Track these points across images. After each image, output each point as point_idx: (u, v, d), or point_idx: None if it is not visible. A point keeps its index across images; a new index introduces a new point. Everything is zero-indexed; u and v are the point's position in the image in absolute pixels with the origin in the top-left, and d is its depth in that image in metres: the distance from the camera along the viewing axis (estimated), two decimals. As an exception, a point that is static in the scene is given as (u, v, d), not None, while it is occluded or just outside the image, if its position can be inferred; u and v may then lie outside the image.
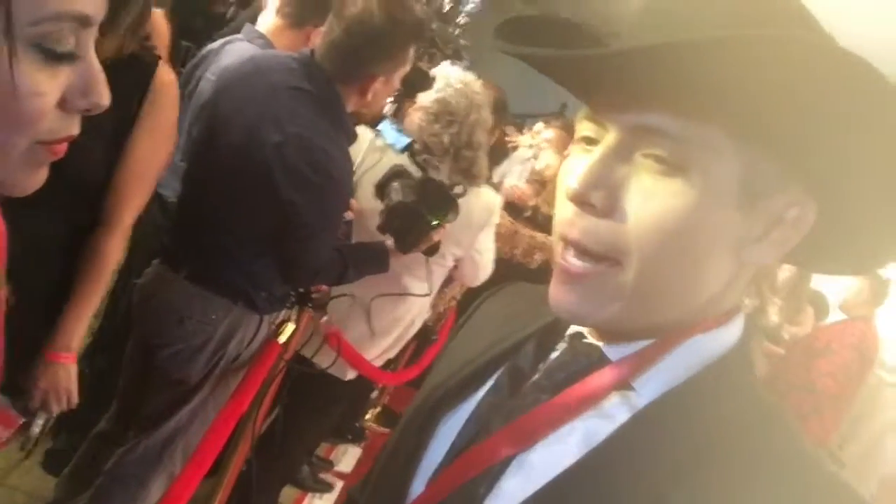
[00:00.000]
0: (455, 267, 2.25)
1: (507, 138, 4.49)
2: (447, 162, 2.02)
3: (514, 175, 4.10)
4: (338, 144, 1.63)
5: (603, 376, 0.59)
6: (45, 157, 0.56)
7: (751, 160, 0.53)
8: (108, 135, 1.37)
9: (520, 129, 5.50)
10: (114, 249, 1.48)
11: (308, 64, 1.65)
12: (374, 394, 3.34)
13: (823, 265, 0.64)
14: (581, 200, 0.55)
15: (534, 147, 4.74)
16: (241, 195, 1.63)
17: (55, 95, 0.53)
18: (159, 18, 1.74)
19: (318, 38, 2.11)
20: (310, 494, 2.87)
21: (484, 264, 2.26)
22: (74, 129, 0.57)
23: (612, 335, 0.61)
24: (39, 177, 0.58)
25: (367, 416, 3.45)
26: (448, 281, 2.50)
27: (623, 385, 0.59)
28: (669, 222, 0.53)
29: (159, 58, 1.49)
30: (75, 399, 1.49)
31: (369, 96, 1.68)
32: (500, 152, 4.05)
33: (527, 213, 3.60)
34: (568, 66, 0.55)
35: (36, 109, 0.52)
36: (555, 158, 3.66)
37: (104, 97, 0.56)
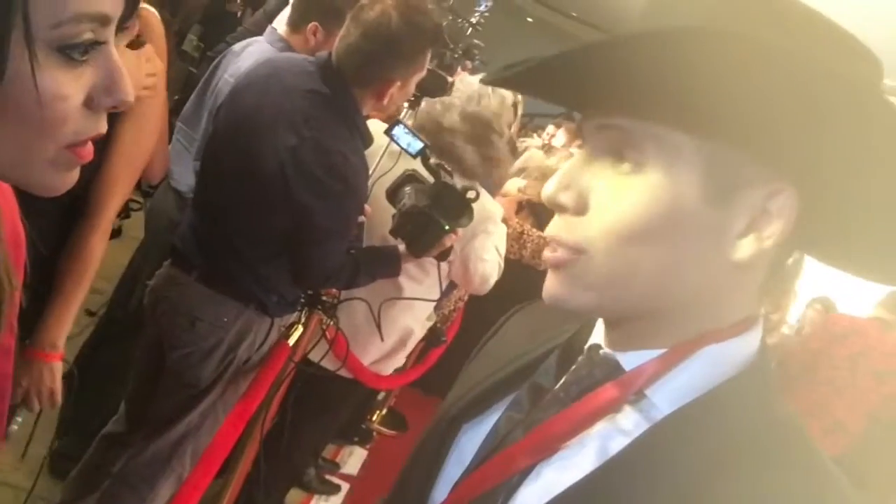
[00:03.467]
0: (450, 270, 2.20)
1: (519, 140, 4.48)
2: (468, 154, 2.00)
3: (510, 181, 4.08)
4: (353, 148, 1.62)
5: (614, 387, 0.59)
6: (73, 161, 0.56)
7: (712, 153, 0.53)
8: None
9: (526, 128, 5.50)
10: (98, 243, 1.46)
11: (325, 67, 1.65)
12: (381, 395, 3.33)
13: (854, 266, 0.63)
14: (553, 202, 0.59)
15: (544, 147, 4.75)
16: (255, 197, 1.63)
17: (80, 97, 0.52)
18: (152, 17, 1.74)
19: (317, 35, 2.15)
20: (315, 496, 2.87)
21: (480, 272, 2.17)
22: (102, 127, 0.56)
23: (626, 341, 0.61)
24: (70, 178, 0.57)
25: (374, 418, 3.45)
26: (455, 283, 2.48)
27: (637, 394, 0.59)
28: (631, 217, 0.55)
29: (143, 43, 1.46)
30: (58, 399, 1.46)
31: (385, 100, 1.68)
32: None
33: (524, 212, 3.61)
34: (536, 79, 0.59)
35: (60, 113, 0.51)
36: (558, 156, 3.65)
37: (129, 93, 0.55)
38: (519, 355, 0.73)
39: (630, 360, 0.60)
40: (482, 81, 0.62)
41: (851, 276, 0.63)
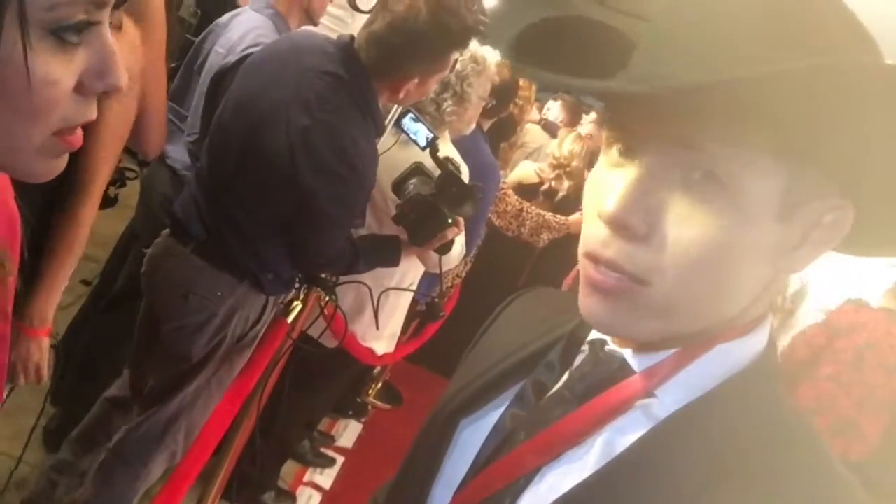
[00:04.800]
0: None
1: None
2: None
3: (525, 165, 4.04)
4: (365, 135, 1.60)
5: (628, 387, 0.58)
6: (60, 149, 0.54)
7: (794, 173, 0.51)
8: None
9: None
10: (87, 216, 1.42)
11: (345, 50, 1.61)
12: (376, 370, 3.34)
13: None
14: (619, 224, 0.52)
15: (541, 122, 4.70)
16: (261, 174, 1.60)
17: (71, 81, 0.51)
18: None
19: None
20: (311, 469, 2.88)
21: None
22: (92, 113, 0.54)
23: (638, 343, 0.59)
24: (58, 165, 0.56)
25: (369, 392, 3.46)
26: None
27: (646, 394, 0.57)
28: (708, 245, 0.51)
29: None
30: (44, 374, 1.44)
31: (401, 95, 1.64)
32: (510, 126, 3.99)
33: (539, 198, 3.58)
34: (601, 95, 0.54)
35: (51, 99, 0.50)
36: (577, 144, 3.61)
37: (121, 78, 0.53)
38: (519, 347, 0.71)
39: (640, 359, 0.58)
40: (529, 76, 0.57)
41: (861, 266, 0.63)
